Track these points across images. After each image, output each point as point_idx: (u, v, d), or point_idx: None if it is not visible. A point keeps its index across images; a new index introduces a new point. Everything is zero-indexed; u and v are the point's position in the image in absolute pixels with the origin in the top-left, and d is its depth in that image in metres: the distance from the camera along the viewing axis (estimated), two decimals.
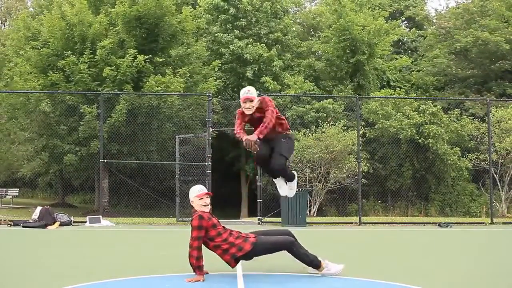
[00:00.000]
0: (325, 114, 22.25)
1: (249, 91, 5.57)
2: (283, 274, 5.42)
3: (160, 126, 20.21)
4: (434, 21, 32.85)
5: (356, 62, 24.94)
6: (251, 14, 26.85)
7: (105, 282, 5.05)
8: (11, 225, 12.68)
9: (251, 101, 5.54)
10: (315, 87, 25.19)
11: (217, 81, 23.25)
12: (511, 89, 24.86)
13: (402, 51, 32.72)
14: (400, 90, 25.73)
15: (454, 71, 26.57)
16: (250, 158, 23.78)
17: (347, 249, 8.67)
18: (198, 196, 5.14)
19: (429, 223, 14.89)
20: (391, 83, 27.87)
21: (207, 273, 5.12)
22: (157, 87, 19.36)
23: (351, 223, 14.70)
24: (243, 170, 26.79)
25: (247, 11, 26.66)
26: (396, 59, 29.80)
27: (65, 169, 22.55)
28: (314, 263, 5.16)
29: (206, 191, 5.20)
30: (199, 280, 4.91)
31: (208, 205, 5.15)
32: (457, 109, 22.66)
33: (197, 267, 4.99)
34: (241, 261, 5.21)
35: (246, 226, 12.91)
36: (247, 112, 5.56)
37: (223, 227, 5.20)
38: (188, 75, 20.62)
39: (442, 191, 22.27)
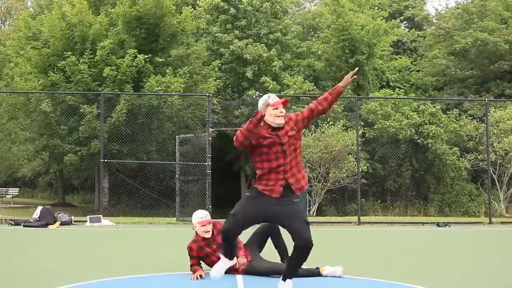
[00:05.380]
0: (324, 114, 22.28)
1: (277, 97, 4.37)
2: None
3: (160, 126, 20.27)
4: (434, 21, 32.90)
5: (355, 62, 24.97)
6: (251, 14, 26.90)
7: (106, 280, 5.12)
8: (12, 224, 12.74)
9: (283, 107, 4.33)
10: (315, 87, 25.24)
11: (217, 81, 23.28)
12: (509, 90, 24.91)
13: (401, 51, 32.75)
14: (399, 90, 25.77)
15: (453, 72, 26.61)
16: (249, 159, 23.81)
17: (347, 248, 8.74)
18: (200, 223, 5.28)
19: (428, 223, 14.95)
20: (391, 83, 27.91)
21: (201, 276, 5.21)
22: (157, 87, 19.42)
23: (350, 223, 14.77)
24: (242, 169, 26.83)
25: (247, 11, 26.71)
26: (396, 59, 29.84)
27: (65, 169, 22.61)
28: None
29: (209, 219, 5.33)
30: (197, 276, 5.09)
31: (209, 231, 5.29)
32: (456, 110, 22.73)
33: (191, 269, 5.29)
34: None
35: None
36: (278, 121, 4.24)
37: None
38: (188, 75, 20.67)
39: (441, 191, 22.33)
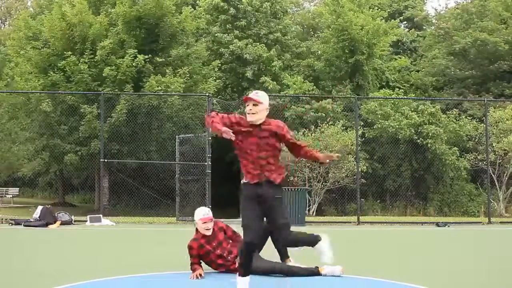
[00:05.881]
0: (324, 114, 22.32)
1: (256, 93, 4.40)
2: None
3: (160, 126, 20.29)
4: (434, 21, 32.91)
5: (355, 62, 25.00)
6: (250, 15, 26.92)
7: (106, 280, 5.15)
8: (12, 224, 12.77)
9: (255, 105, 4.33)
10: (315, 87, 25.26)
11: (217, 81, 23.30)
12: (509, 90, 24.93)
13: (401, 51, 32.76)
14: (399, 90, 25.80)
15: (453, 72, 26.64)
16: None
17: (346, 248, 8.77)
18: (203, 220, 5.33)
19: (427, 223, 14.98)
20: (390, 84, 27.92)
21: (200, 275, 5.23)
22: (157, 87, 19.45)
23: (350, 222, 14.79)
24: None
25: (247, 11, 26.74)
26: (395, 59, 29.86)
27: (65, 169, 22.62)
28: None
29: (211, 217, 5.39)
30: (197, 275, 5.14)
31: (210, 229, 5.35)
32: (455, 110, 22.74)
33: (191, 268, 5.32)
34: None
35: None
36: (248, 118, 4.34)
37: (221, 245, 5.36)
38: (188, 75, 20.70)
39: (441, 191, 22.34)
